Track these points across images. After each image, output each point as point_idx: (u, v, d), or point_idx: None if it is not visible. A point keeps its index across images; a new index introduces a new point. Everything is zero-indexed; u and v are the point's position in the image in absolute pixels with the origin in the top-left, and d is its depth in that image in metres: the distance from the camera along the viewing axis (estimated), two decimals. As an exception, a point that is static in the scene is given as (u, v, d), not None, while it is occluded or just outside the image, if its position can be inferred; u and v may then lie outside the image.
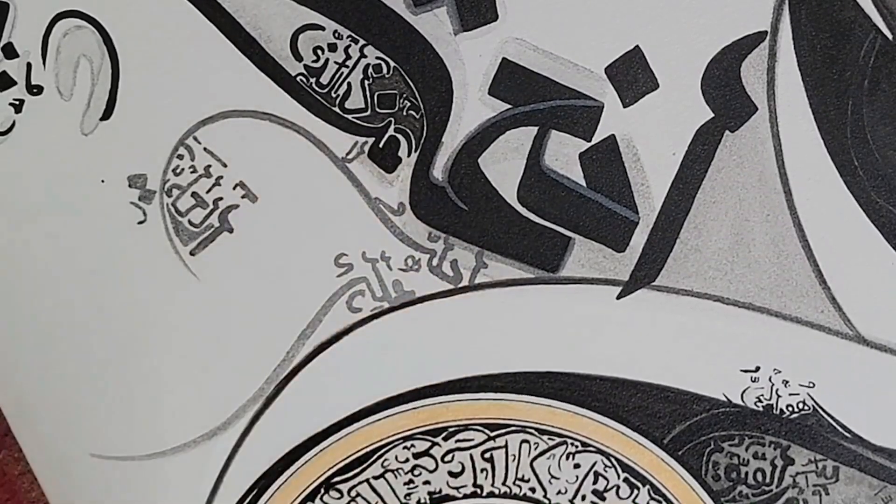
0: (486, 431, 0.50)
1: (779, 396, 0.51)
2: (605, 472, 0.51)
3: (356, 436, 0.51)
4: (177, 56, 0.51)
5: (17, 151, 0.51)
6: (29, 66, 0.51)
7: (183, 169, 0.51)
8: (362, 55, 0.51)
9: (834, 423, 0.51)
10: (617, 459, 0.51)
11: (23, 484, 0.52)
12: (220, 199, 0.51)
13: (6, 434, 0.52)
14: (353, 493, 0.51)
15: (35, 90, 0.51)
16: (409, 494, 0.49)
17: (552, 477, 0.51)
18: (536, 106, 0.50)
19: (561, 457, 0.50)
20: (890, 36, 0.49)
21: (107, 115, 0.51)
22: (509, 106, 0.51)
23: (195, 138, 0.51)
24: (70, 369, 0.51)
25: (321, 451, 0.51)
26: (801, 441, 0.51)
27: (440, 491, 0.48)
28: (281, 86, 0.51)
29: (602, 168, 0.51)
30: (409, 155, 0.51)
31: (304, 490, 0.51)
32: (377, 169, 0.51)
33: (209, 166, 0.51)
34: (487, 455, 0.51)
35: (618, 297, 0.51)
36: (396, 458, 0.50)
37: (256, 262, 0.51)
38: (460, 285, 0.51)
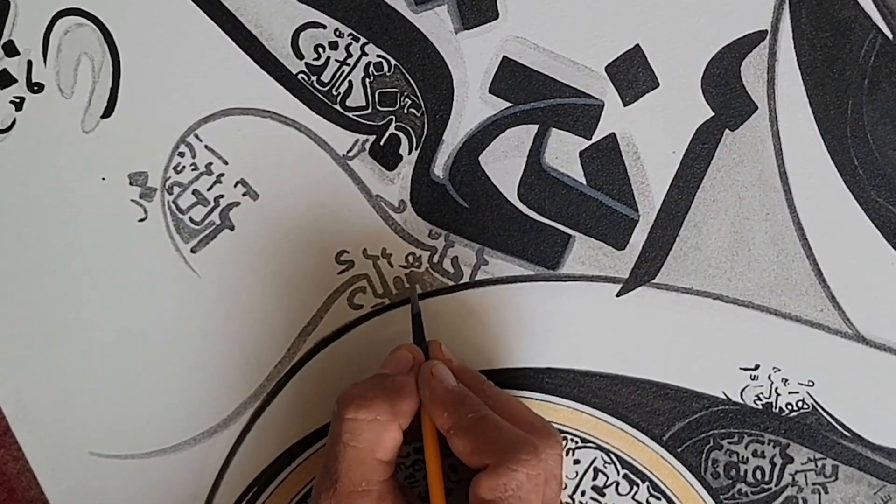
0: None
1: (778, 395, 0.51)
2: (605, 468, 0.51)
3: (357, 431, 0.51)
4: (178, 54, 0.51)
5: (18, 149, 0.51)
6: (30, 63, 0.51)
7: (184, 166, 0.51)
8: (363, 53, 0.51)
9: (833, 422, 0.51)
10: (616, 456, 0.51)
11: (21, 482, 0.52)
12: (221, 196, 0.51)
13: (5, 432, 0.52)
14: (353, 489, 0.51)
15: (36, 88, 0.51)
16: (410, 488, 0.49)
17: (552, 474, 0.51)
18: (537, 104, 0.51)
19: (561, 454, 0.51)
20: (890, 35, 0.50)
21: (108, 112, 0.51)
22: (510, 104, 0.51)
23: (196, 136, 0.51)
24: (69, 367, 0.51)
25: (322, 447, 0.51)
26: (800, 439, 0.51)
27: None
28: (282, 84, 0.51)
29: (602, 166, 0.51)
30: (409, 153, 0.51)
31: (304, 486, 0.51)
32: (378, 166, 0.51)
33: (210, 164, 0.51)
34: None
35: (618, 295, 0.51)
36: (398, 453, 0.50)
37: (257, 260, 0.51)
38: (461, 282, 0.51)
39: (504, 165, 0.51)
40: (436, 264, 0.51)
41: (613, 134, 0.51)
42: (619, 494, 0.51)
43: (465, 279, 0.51)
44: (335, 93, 0.51)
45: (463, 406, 0.43)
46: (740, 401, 0.51)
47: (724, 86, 0.50)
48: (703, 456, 0.51)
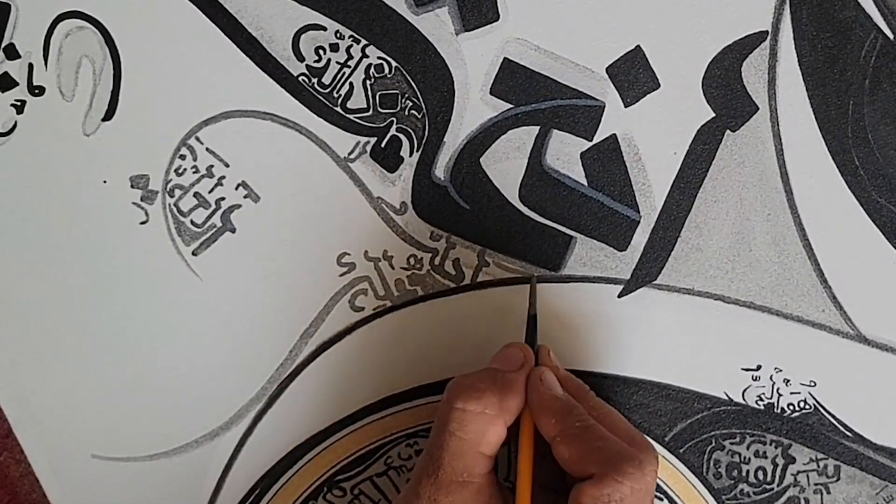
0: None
1: (780, 395, 0.51)
2: (608, 469, 0.51)
3: (359, 434, 0.51)
4: (179, 56, 0.51)
5: (19, 152, 0.51)
6: (31, 66, 0.51)
7: (185, 169, 0.51)
8: (364, 55, 0.51)
9: (835, 422, 0.51)
10: (619, 457, 0.51)
11: (24, 485, 0.52)
12: (223, 199, 0.51)
13: (8, 435, 0.52)
14: (356, 491, 0.51)
15: (37, 91, 0.51)
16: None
17: (554, 476, 0.51)
18: (538, 105, 0.51)
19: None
20: (891, 35, 0.50)
21: (109, 115, 0.51)
22: (511, 105, 0.51)
23: (197, 138, 0.51)
24: (72, 370, 0.51)
25: (324, 449, 0.51)
26: (802, 440, 0.51)
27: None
28: (283, 86, 0.51)
29: (603, 167, 0.51)
30: (410, 154, 0.51)
31: (307, 489, 0.51)
32: (379, 168, 0.51)
33: (211, 166, 0.51)
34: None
35: (619, 296, 0.51)
36: (399, 455, 0.50)
37: (259, 262, 0.51)
38: (462, 284, 0.51)
39: (505, 167, 0.51)
40: (437, 266, 0.51)
41: (614, 135, 0.51)
42: (621, 496, 0.51)
43: (467, 281, 0.51)
44: (336, 95, 0.51)
45: (570, 415, 0.43)
46: (742, 401, 0.51)
47: (725, 86, 0.50)
48: (706, 456, 0.51)
